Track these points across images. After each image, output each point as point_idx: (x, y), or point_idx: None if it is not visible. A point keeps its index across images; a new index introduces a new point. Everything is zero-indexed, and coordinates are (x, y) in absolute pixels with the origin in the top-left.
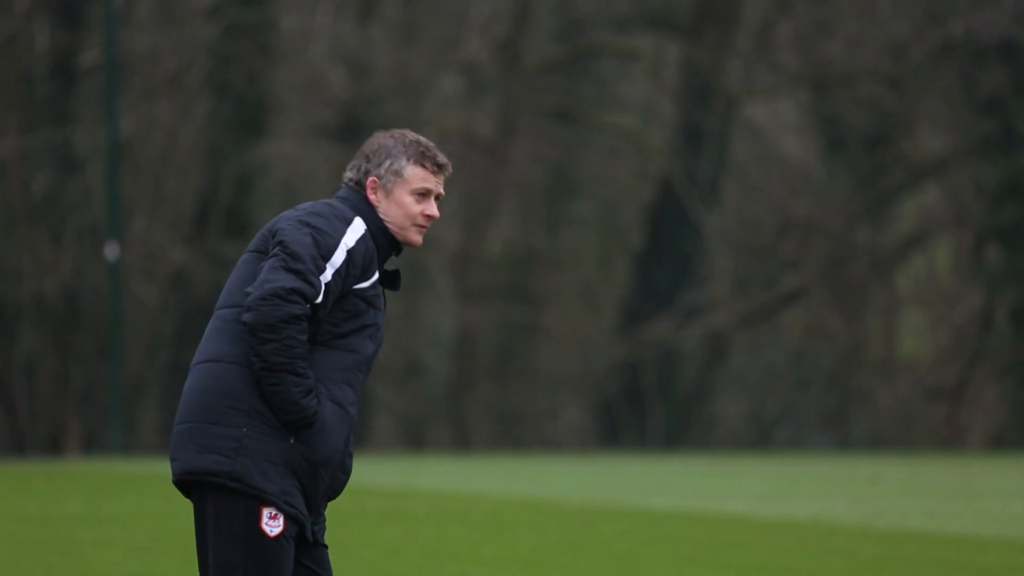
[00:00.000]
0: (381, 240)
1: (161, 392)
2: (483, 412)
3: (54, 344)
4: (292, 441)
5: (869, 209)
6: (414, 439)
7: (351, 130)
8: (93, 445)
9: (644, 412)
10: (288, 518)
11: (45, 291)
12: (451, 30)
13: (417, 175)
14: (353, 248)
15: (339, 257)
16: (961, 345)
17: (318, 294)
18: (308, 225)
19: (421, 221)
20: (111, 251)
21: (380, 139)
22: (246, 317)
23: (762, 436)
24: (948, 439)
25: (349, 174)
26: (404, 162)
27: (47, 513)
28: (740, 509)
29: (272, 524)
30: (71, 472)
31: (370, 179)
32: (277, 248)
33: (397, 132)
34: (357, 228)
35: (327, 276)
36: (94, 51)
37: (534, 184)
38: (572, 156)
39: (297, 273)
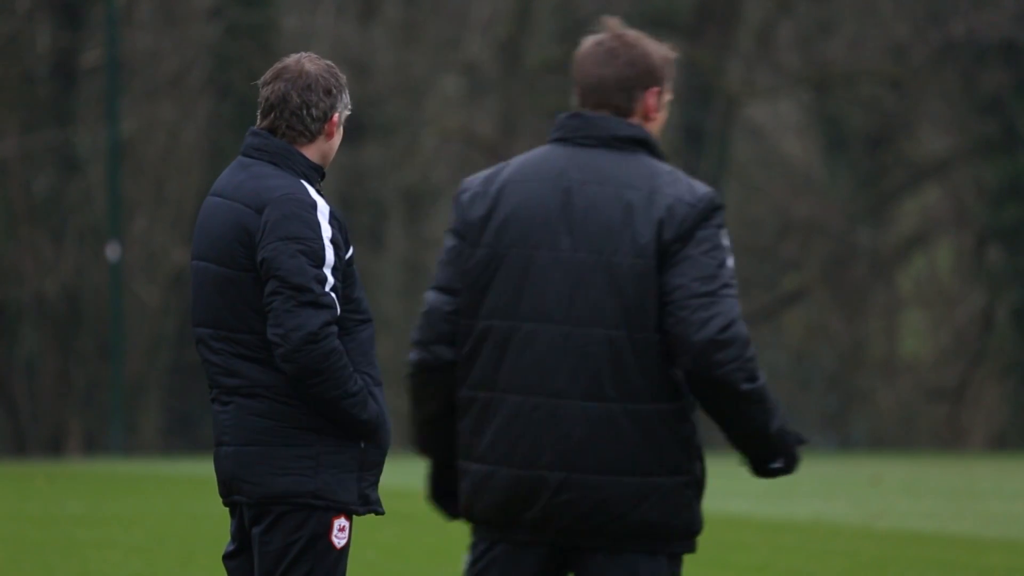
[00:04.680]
0: (318, 180)
1: (162, 392)
2: None
3: (55, 344)
4: (363, 445)
5: (870, 209)
6: (415, 439)
7: (352, 130)
8: (94, 445)
9: None
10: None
11: (46, 291)
12: (452, 30)
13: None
14: (333, 235)
15: (330, 255)
16: (962, 345)
17: (337, 306)
18: (292, 239)
19: None
20: (112, 251)
21: (320, 73)
22: (287, 368)
23: None
24: (949, 440)
25: (309, 111)
26: (347, 95)
27: (48, 513)
28: (741, 509)
29: (340, 536)
30: (72, 472)
31: (336, 115)
32: (276, 284)
33: (318, 61)
34: (323, 209)
35: (331, 281)
36: (95, 51)
37: None
38: None
39: (313, 305)
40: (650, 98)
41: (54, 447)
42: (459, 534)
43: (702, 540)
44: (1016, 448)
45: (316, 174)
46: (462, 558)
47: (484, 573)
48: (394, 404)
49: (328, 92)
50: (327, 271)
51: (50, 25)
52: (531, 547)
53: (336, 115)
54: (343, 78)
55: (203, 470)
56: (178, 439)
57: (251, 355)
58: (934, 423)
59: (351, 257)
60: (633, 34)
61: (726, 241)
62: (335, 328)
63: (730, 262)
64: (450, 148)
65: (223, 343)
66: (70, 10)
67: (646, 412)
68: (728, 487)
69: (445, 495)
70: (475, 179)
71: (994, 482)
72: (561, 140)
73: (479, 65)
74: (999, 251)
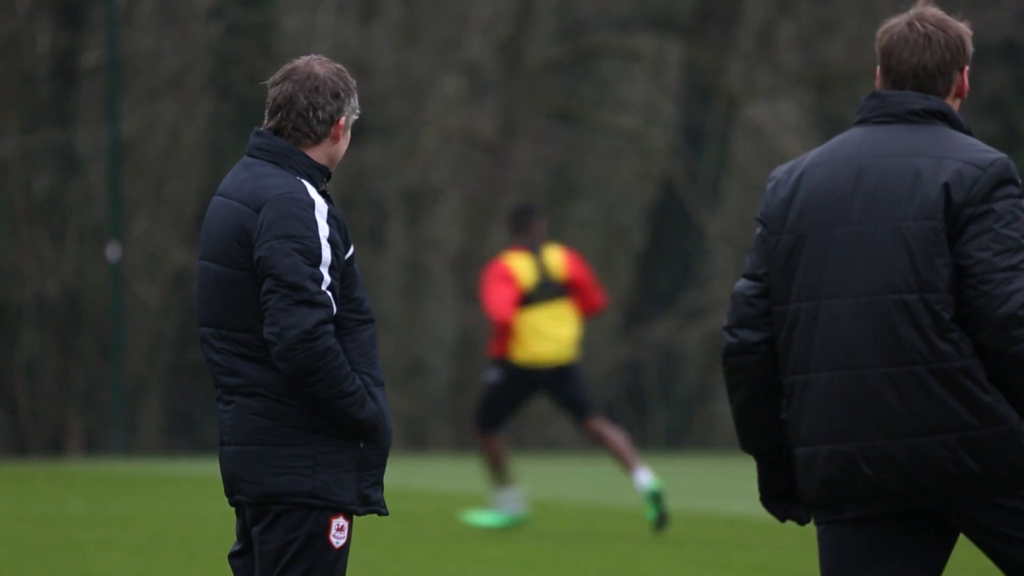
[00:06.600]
0: (323, 182)
1: (163, 392)
2: None
3: (55, 344)
4: (362, 445)
5: None
6: (415, 439)
7: (353, 130)
8: (95, 445)
9: (645, 412)
10: (352, 523)
11: (47, 291)
12: (453, 31)
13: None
14: (331, 235)
15: (327, 254)
16: None
17: (333, 305)
18: (288, 238)
19: None
20: (113, 252)
21: (328, 76)
22: (282, 367)
23: None
24: None
25: (315, 113)
26: (356, 99)
27: (48, 513)
28: (742, 509)
29: (339, 536)
30: (72, 472)
31: (342, 119)
32: (271, 283)
33: (328, 64)
34: (321, 207)
35: (327, 280)
36: (96, 52)
37: (535, 184)
38: (573, 156)
39: (308, 304)
40: (964, 78)
41: (54, 447)
42: (459, 534)
43: (701, 540)
44: None
45: (320, 174)
46: None
47: (825, 555)
48: (394, 403)
49: (336, 95)
50: (323, 270)
51: (50, 25)
52: (862, 523)
53: (343, 119)
54: (352, 82)
55: (204, 470)
56: (179, 439)
57: (251, 354)
58: None
59: (351, 257)
60: (939, 13)
61: None
62: (331, 327)
63: None
64: (450, 148)
65: (224, 342)
66: (70, 10)
67: (951, 369)
68: (728, 487)
69: (773, 497)
70: (781, 168)
71: None
72: (861, 122)
73: (479, 65)
74: None
